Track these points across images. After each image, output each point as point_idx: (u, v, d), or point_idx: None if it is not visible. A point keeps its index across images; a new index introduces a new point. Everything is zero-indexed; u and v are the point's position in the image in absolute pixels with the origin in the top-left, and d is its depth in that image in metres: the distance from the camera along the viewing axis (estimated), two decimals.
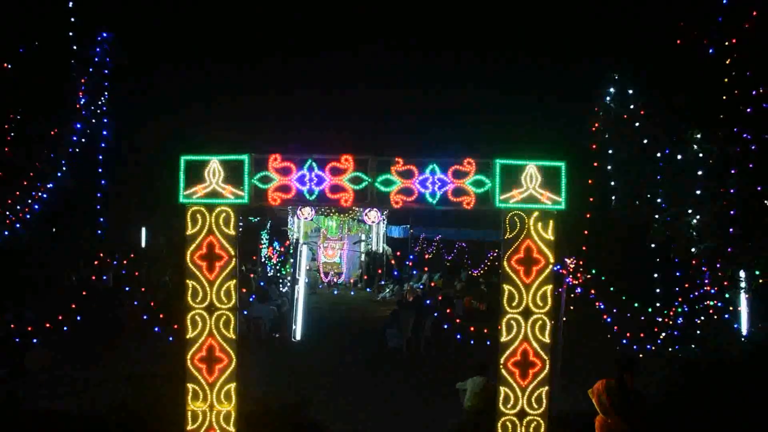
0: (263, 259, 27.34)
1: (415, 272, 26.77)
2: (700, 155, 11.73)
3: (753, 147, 11.12)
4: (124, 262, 14.94)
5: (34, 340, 12.25)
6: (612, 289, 13.10)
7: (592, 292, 13.30)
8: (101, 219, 14.50)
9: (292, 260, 18.88)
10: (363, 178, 6.96)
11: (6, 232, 12.35)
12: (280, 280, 22.52)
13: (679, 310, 12.51)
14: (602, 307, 13.11)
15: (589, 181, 13.18)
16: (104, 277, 14.65)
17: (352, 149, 7.04)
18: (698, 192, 11.64)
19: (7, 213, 12.27)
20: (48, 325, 12.53)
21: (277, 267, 26.37)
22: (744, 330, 12.03)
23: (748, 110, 11.18)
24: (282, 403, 10.17)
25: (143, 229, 16.95)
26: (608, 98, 13.28)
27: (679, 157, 12.01)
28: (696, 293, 12.26)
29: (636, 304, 12.85)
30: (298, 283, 16.21)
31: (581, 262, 13.48)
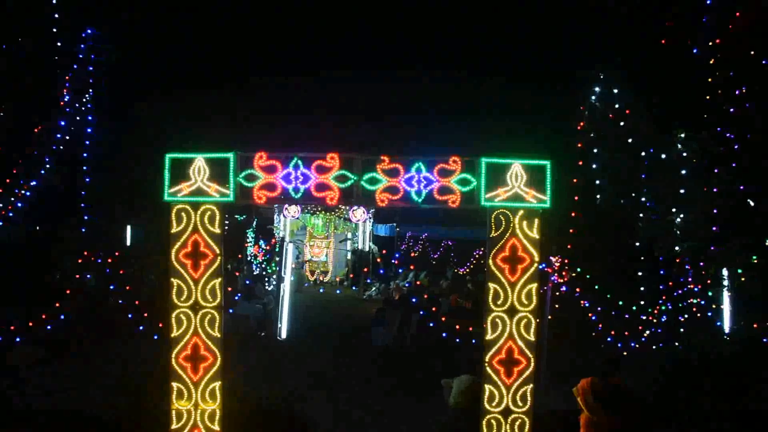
0: (249, 258, 27.20)
1: (401, 270, 26.76)
2: (684, 155, 11.84)
3: (736, 147, 11.25)
4: (109, 260, 14.79)
5: (17, 339, 12.16)
6: (597, 287, 13.17)
7: (578, 290, 13.38)
8: (86, 217, 14.40)
9: (278, 258, 18.81)
10: (349, 176, 6.95)
11: None
12: (266, 279, 22.43)
13: (663, 308, 12.60)
14: (587, 305, 13.19)
15: (574, 180, 13.27)
16: (88, 276, 14.51)
17: (337, 146, 7.04)
18: (682, 191, 11.76)
19: None
20: (30, 323, 12.44)
21: (263, 265, 26.25)
22: (726, 328, 12.14)
23: (732, 110, 11.30)
24: (267, 401, 10.18)
25: (128, 227, 16.80)
26: (594, 97, 13.37)
27: (663, 156, 12.12)
28: (679, 291, 12.36)
29: (620, 302, 12.92)
30: (284, 281, 16.14)
31: (566, 261, 13.53)
